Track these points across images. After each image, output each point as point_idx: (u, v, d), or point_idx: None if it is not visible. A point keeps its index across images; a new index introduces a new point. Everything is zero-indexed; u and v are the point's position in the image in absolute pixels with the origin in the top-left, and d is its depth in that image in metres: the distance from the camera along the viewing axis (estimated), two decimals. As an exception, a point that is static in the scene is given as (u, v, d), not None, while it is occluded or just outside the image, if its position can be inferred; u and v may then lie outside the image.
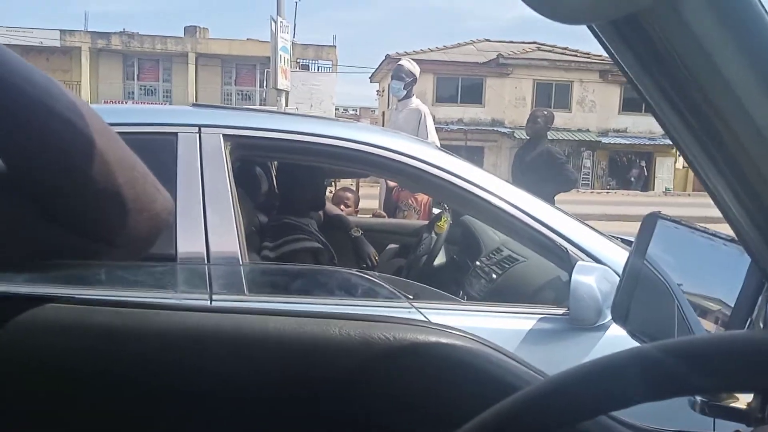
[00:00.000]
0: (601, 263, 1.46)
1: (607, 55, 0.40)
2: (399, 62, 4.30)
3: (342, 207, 3.21)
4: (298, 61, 21.78)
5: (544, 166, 4.22)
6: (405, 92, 4.19)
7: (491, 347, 0.55)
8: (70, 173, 0.48)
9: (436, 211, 3.36)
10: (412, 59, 4.78)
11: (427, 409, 0.52)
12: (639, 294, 0.73)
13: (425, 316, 0.58)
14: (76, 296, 0.53)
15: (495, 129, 23.51)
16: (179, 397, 0.52)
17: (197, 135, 1.52)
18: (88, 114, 0.50)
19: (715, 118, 0.39)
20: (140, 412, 0.52)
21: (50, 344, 0.51)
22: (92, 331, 0.51)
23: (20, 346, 0.51)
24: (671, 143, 0.47)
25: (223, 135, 1.54)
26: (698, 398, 0.55)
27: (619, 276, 1.41)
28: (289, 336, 0.52)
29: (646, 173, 25.10)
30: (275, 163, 2.56)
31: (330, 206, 2.92)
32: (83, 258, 0.53)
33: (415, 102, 4.22)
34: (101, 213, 0.51)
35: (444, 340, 0.53)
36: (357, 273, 0.66)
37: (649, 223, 0.71)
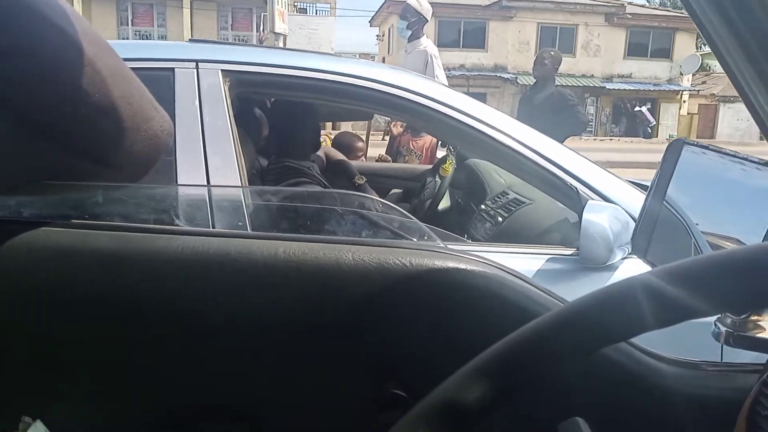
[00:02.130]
0: (611, 203, 1.43)
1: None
2: (406, 0, 4.11)
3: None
4: (296, 4, 21.15)
5: (554, 108, 4.11)
6: (410, 32, 4.02)
7: (509, 272, 0.53)
8: (59, 83, 0.44)
9: (440, 154, 3.32)
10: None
11: (445, 335, 0.50)
12: (660, 224, 0.70)
13: (447, 248, 0.55)
14: (74, 220, 0.50)
15: (497, 75, 23.02)
16: (183, 323, 0.50)
17: (195, 71, 1.46)
18: (79, 22, 0.46)
19: None
20: (140, 339, 0.50)
21: (48, 269, 0.48)
22: (91, 255, 0.48)
23: (17, 272, 0.48)
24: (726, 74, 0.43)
25: (222, 70, 1.48)
26: (722, 329, 0.53)
27: (629, 215, 1.39)
28: (300, 261, 0.49)
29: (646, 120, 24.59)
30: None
31: (333, 151, 2.87)
32: (79, 180, 0.50)
33: (424, 43, 4.03)
34: (95, 130, 0.47)
35: (462, 266, 0.50)
36: (382, 202, 0.63)
37: (674, 149, 0.67)
